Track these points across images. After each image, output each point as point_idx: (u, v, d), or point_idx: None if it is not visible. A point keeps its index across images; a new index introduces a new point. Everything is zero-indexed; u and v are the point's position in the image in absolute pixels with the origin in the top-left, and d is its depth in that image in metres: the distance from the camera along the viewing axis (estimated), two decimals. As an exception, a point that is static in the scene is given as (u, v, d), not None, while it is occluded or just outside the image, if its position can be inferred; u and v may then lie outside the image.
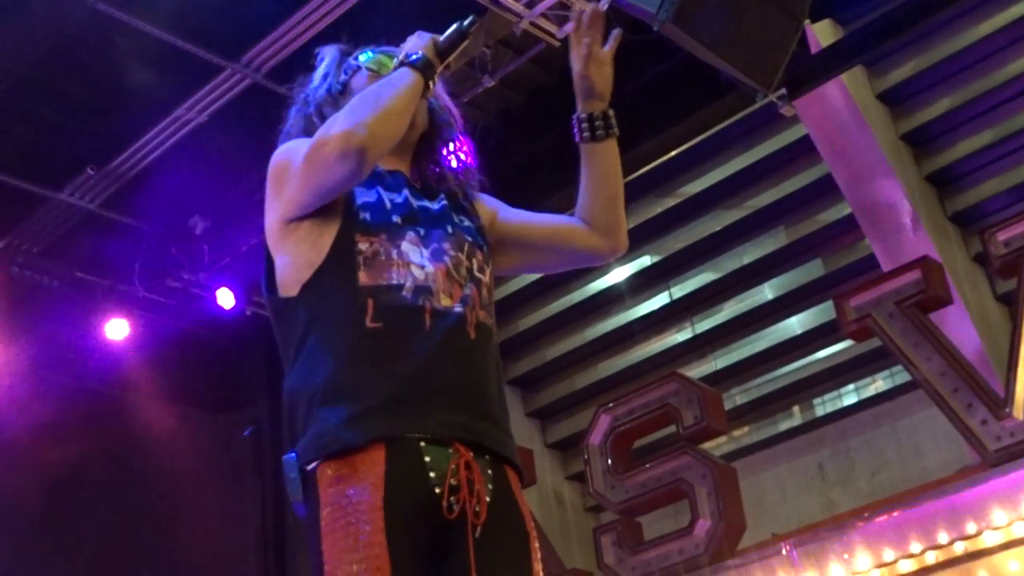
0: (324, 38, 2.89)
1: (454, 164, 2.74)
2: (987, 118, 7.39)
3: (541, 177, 7.11)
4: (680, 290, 8.69)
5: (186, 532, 9.08)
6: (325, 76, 2.76)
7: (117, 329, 8.65)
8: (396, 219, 2.53)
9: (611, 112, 2.75)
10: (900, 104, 7.59)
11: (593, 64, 2.72)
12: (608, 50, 2.75)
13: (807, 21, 6.48)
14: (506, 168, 7.48)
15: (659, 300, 8.79)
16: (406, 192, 2.60)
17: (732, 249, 8.44)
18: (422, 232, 2.53)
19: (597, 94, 2.73)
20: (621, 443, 7.45)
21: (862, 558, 6.25)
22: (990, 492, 6.00)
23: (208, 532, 9.16)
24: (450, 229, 2.58)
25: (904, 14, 6.77)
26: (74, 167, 7.87)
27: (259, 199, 2.60)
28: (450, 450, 2.37)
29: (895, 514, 6.26)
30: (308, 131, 2.65)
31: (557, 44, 6.80)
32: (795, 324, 8.36)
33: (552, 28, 6.70)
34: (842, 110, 7.32)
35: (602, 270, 8.57)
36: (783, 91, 6.68)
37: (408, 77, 2.54)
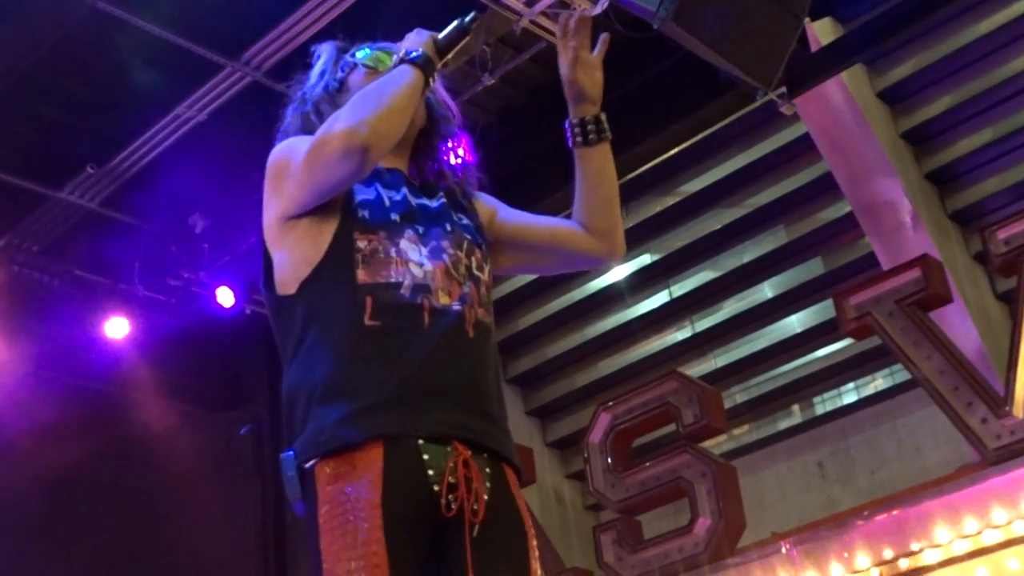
0: (324, 36, 2.88)
1: (453, 161, 2.74)
2: (987, 116, 7.39)
3: (541, 175, 7.10)
4: (680, 288, 8.70)
5: (186, 530, 9.08)
6: (322, 74, 2.76)
7: (117, 327, 8.65)
8: (395, 217, 2.53)
9: (603, 116, 2.74)
10: (900, 102, 7.59)
11: (581, 69, 2.71)
12: (597, 55, 2.74)
13: (807, 19, 6.48)
14: (506, 166, 7.47)
15: (659, 298, 8.79)
16: (405, 190, 2.60)
17: (732, 247, 8.45)
18: (421, 230, 2.53)
19: (588, 98, 2.72)
20: (621, 441, 7.45)
21: (862, 557, 6.25)
22: (990, 490, 6.00)
23: (208, 530, 9.16)
24: (449, 227, 2.58)
25: (904, 12, 6.77)
26: (74, 166, 7.87)
27: (259, 198, 2.59)
28: (448, 448, 2.37)
29: (895, 512, 6.26)
30: (306, 129, 2.65)
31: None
32: (795, 322, 8.36)
33: (552, 26, 6.69)
34: (842, 108, 7.32)
35: (602, 268, 8.57)
36: (783, 89, 6.69)
37: (409, 74, 2.53)
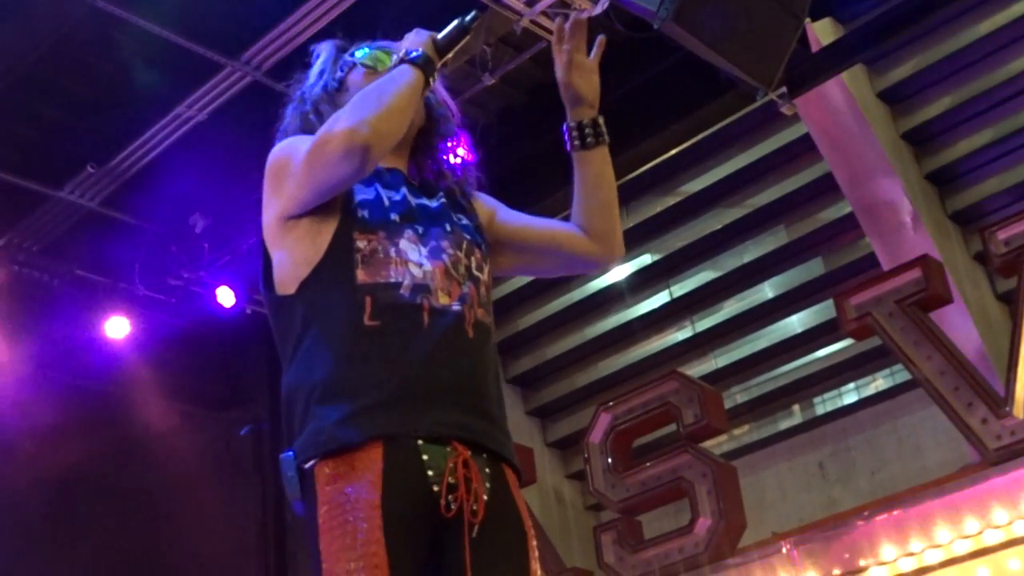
0: (324, 36, 2.88)
1: (452, 161, 2.74)
2: (987, 117, 7.39)
3: (541, 175, 7.09)
4: (680, 288, 8.69)
5: (186, 529, 9.08)
6: (321, 73, 2.75)
7: (117, 327, 8.65)
8: (394, 217, 2.52)
9: (601, 119, 2.73)
10: (900, 102, 7.59)
11: (576, 72, 2.71)
12: (593, 58, 2.73)
13: (807, 19, 6.48)
14: (506, 166, 7.47)
15: (659, 299, 8.79)
16: (404, 190, 2.60)
17: (732, 247, 8.44)
18: (420, 230, 2.53)
19: (584, 102, 2.72)
20: (621, 442, 7.45)
21: (863, 557, 6.25)
22: (991, 491, 6.00)
23: (208, 529, 9.16)
24: (448, 227, 2.58)
25: (904, 13, 6.77)
26: (74, 165, 7.87)
27: (260, 198, 2.59)
28: (448, 449, 2.37)
29: (895, 513, 6.26)
30: (305, 129, 2.65)
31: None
32: (795, 323, 8.36)
33: (552, 26, 6.68)
34: (842, 108, 7.31)
35: (600, 270, 8.56)
36: (783, 89, 6.68)
37: (409, 74, 2.53)
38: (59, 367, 8.73)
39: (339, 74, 2.74)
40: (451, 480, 2.34)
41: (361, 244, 2.46)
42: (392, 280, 2.44)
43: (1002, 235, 6.47)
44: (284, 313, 2.52)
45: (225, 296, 8.61)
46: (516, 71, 7.40)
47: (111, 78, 7.21)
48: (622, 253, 2.82)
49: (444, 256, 2.51)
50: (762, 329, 8.48)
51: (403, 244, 2.48)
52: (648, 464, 7.25)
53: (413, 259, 2.47)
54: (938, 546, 6.04)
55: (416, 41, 2.60)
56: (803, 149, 7.80)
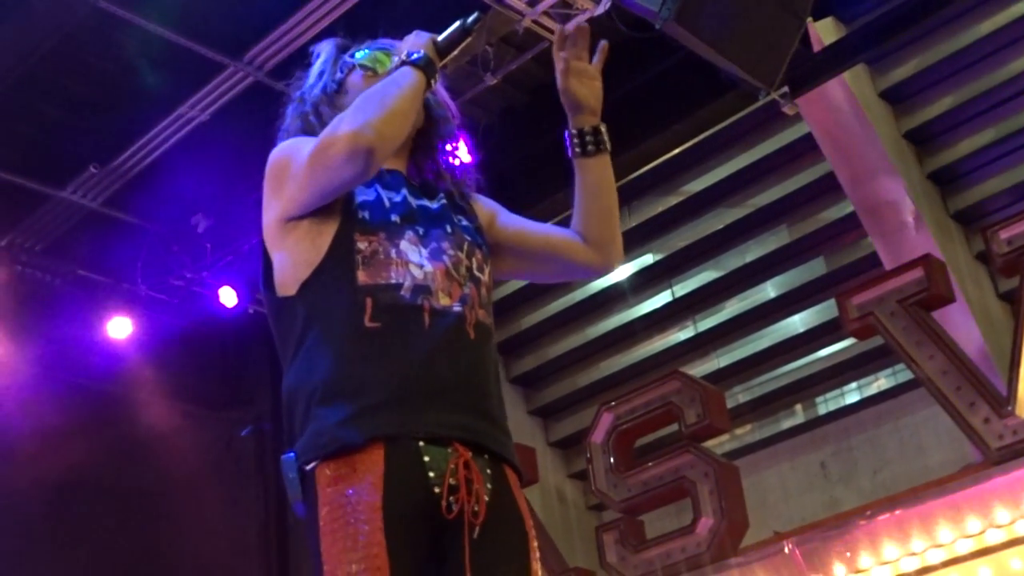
0: (326, 36, 2.87)
1: (452, 162, 2.73)
2: (989, 116, 7.39)
3: (543, 175, 7.09)
4: (682, 288, 8.70)
5: (188, 530, 9.08)
6: (321, 74, 2.74)
7: (120, 327, 8.65)
8: (395, 218, 2.52)
9: (603, 127, 2.71)
10: (902, 102, 7.59)
11: (576, 78, 2.68)
12: (595, 64, 2.71)
13: (809, 19, 6.48)
14: (508, 166, 7.48)
15: (661, 298, 8.79)
16: (404, 191, 2.59)
17: (734, 247, 8.45)
18: (421, 231, 2.52)
19: (585, 108, 2.70)
20: (623, 441, 7.45)
21: (865, 556, 6.25)
22: (993, 490, 6.00)
23: (210, 530, 9.16)
24: (449, 228, 2.57)
25: (906, 12, 6.77)
26: (76, 165, 7.88)
27: (261, 198, 2.59)
28: (449, 450, 2.36)
29: (897, 512, 6.26)
30: (305, 130, 2.64)
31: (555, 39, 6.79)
32: (797, 322, 8.36)
33: (554, 26, 6.69)
34: (844, 108, 7.32)
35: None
36: (785, 89, 6.69)
37: (411, 76, 2.52)
38: (61, 367, 8.73)
39: (339, 75, 2.73)
40: (452, 481, 2.33)
41: (362, 245, 2.46)
42: (393, 281, 2.44)
43: (1004, 234, 6.47)
44: (285, 314, 2.51)
45: (227, 296, 8.62)
46: (518, 71, 7.41)
47: (113, 78, 7.21)
48: (619, 262, 2.80)
49: (445, 257, 2.51)
50: (764, 329, 8.48)
51: (404, 245, 2.48)
52: (650, 464, 7.25)
53: (414, 260, 2.47)
54: (940, 546, 6.03)
55: (416, 43, 2.59)
56: (805, 149, 7.80)
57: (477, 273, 2.56)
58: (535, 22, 6.66)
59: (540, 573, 2.46)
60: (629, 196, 8.30)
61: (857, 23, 7.19)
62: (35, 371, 8.51)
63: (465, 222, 2.64)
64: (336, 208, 2.49)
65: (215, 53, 7.14)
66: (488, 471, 2.41)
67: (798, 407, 8.53)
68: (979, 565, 5.92)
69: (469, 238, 2.60)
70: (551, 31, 6.71)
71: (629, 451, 7.51)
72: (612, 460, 7.37)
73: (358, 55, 2.75)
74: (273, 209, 2.53)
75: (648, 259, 8.77)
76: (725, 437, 8.36)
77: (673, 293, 8.73)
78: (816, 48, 7.00)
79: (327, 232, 2.48)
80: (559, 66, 2.69)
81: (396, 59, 2.63)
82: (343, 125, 2.42)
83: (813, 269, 8.23)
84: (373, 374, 2.37)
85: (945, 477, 6.55)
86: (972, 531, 5.97)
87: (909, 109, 7.58)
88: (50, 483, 8.38)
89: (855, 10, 7.24)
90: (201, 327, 9.00)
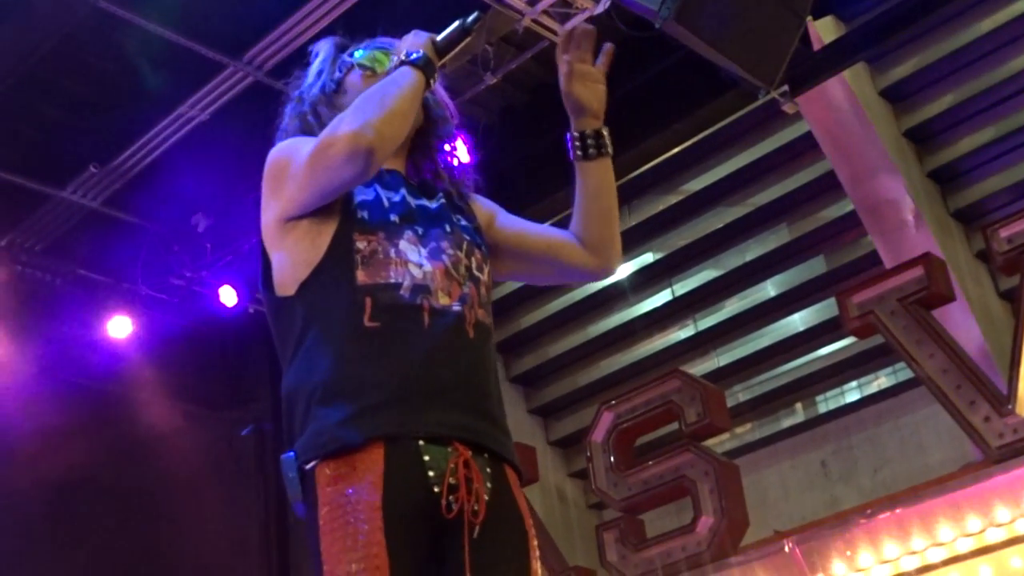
0: (326, 36, 2.87)
1: (451, 162, 2.73)
2: (989, 114, 7.39)
3: (543, 175, 7.10)
4: (682, 287, 8.70)
5: (188, 529, 9.08)
6: (319, 73, 2.74)
7: (120, 327, 8.66)
8: (394, 218, 2.51)
9: (605, 131, 2.69)
10: (902, 101, 7.59)
11: (579, 81, 2.66)
12: (600, 67, 2.68)
13: (809, 18, 6.48)
14: (508, 165, 7.49)
15: (661, 297, 8.79)
16: (403, 191, 2.59)
17: (734, 246, 8.45)
18: (420, 231, 2.52)
19: (588, 112, 2.67)
20: (624, 440, 7.45)
21: (865, 555, 6.25)
22: (993, 489, 6.00)
23: (210, 529, 9.16)
24: (448, 228, 2.57)
25: (906, 11, 6.78)
26: (76, 165, 7.88)
27: (260, 197, 2.59)
28: (449, 449, 2.36)
29: (898, 511, 6.26)
30: (304, 130, 2.64)
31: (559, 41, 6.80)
32: (797, 321, 8.36)
33: (554, 25, 6.70)
34: (844, 107, 7.32)
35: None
36: (785, 88, 6.70)
37: (410, 76, 2.52)
38: (61, 366, 8.73)
39: (337, 75, 2.72)
40: (452, 480, 2.33)
41: (361, 245, 2.46)
42: (392, 281, 2.43)
43: (1004, 233, 6.47)
44: (284, 314, 2.51)
45: (227, 296, 8.62)
46: (518, 70, 7.41)
47: (113, 78, 7.22)
48: (616, 267, 2.78)
49: (444, 257, 2.50)
50: (764, 327, 8.48)
51: (403, 245, 2.48)
52: (650, 463, 7.25)
53: (413, 260, 2.47)
54: (941, 544, 6.03)
55: (415, 42, 2.59)
56: (805, 147, 7.80)
57: (476, 272, 2.56)
58: (535, 21, 6.66)
59: (540, 572, 2.46)
60: (629, 195, 8.30)
61: (857, 22, 7.20)
62: (35, 370, 8.52)
63: (464, 222, 2.63)
64: (335, 208, 2.49)
65: (215, 53, 7.14)
66: (488, 470, 2.41)
67: (798, 406, 8.54)
68: (979, 564, 5.92)
69: (468, 237, 2.59)
70: (551, 30, 6.71)
71: (629, 450, 7.51)
72: (612, 459, 7.37)
73: (357, 54, 2.74)
74: (272, 209, 2.53)
75: (648, 258, 8.78)
76: (725, 436, 8.36)
77: (673, 292, 8.73)
78: (816, 47, 7.00)
79: (326, 232, 2.47)
80: (562, 69, 2.67)
81: (395, 58, 2.62)
82: (343, 126, 2.41)
83: (813, 268, 8.23)
84: (373, 374, 2.37)
85: (945, 476, 6.55)
86: (972, 530, 5.97)
87: (909, 107, 7.58)
88: (50, 482, 8.38)
89: (855, 9, 7.25)
90: (201, 327, 9.01)
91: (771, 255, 8.29)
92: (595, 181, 2.70)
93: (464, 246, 2.56)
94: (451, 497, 2.33)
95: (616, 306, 8.97)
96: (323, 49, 2.79)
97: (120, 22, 6.79)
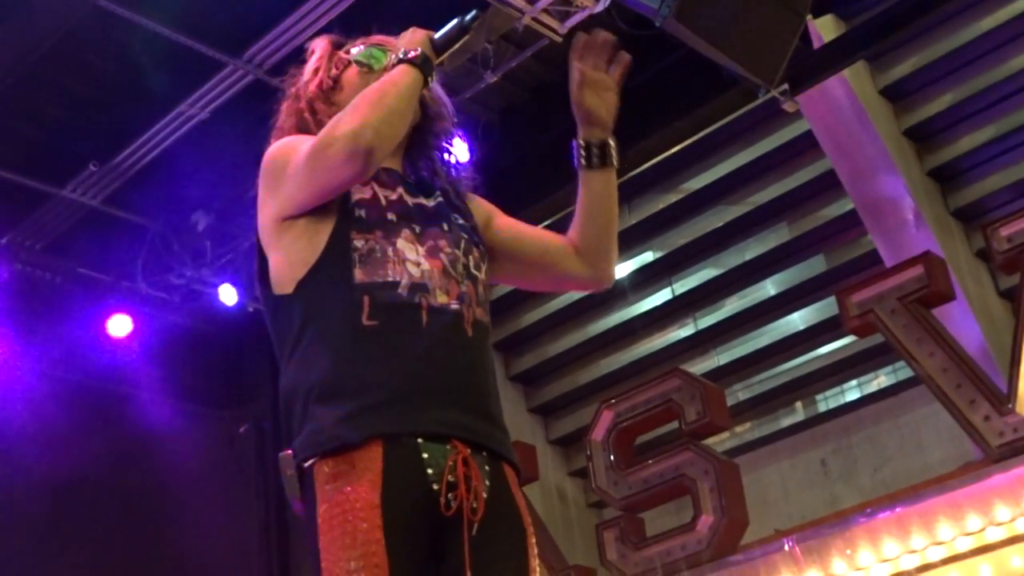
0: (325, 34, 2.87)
1: (448, 160, 2.72)
2: (990, 113, 7.39)
3: (543, 173, 7.10)
4: (682, 286, 8.70)
5: (188, 527, 9.07)
6: (316, 71, 2.73)
7: (120, 325, 8.65)
8: (391, 216, 2.51)
9: (612, 142, 2.66)
10: (903, 99, 7.58)
11: (590, 90, 2.63)
12: (613, 74, 2.65)
13: (809, 16, 6.47)
14: (508, 164, 7.48)
15: (661, 296, 8.79)
16: (401, 189, 2.58)
17: (734, 245, 8.44)
18: (418, 229, 2.51)
19: (597, 122, 2.65)
20: (623, 439, 7.45)
21: (865, 554, 6.25)
22: (993, 488, 6.00)
23: (211, 528, 9.15)
24: (446, 226, 2.56)
25: (906, 9, 6.77)
26: (76, 163, 7.88)
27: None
28: (448, 447, 2.36)
29: (898, 510, 6.25)
30: (301, 128, 2.64)
31: (559, 40, 6.80)
32: (797, 320, 8.36)
33: (554, 24, 6.69)
34: (844, 105, 7.31)
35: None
36: (785, 86, 6.69)
37: (408, 75, 2.51)
38: (61, 365, 8.73)
39: (334, 72, 2.72)
40: (451, 478, 2.33)
41: (358, 243, 2.45)
42: (390, 279, 2.43)
43: (1004, 231, 6.46)
44: (281, 313, 2.51)
45: (227, 294, 8.62)
46: (518, 69, 7.41)
47: (113, 76, 7.22)
48: (611, 280, 2.76)
49: (442, 255, 2.50)
50: (764, 326, 8.48)
51: (400, 243, 2.47)
52: (650, 461, 7.25)
53: (411, 258, 2.46)
54: (940, 543, 6.03)
55: (413, 40, 2.58)
56: (805, 146, 7.80)
57: (474, 271, 2.55)
58: (535, 19, 6.65)
59: (539, 570, 2.46)
60: (629, 193, 8.30)
61: (857, 20, 7.19)
62: (35, 369, 8.52)
63: (461, 220, 2.63)
64: (332, 206, 2.48)
65: (215, 51, 7.14)
66: (486, 468, 2.41)
67: (798, 405, 8.53)
68: (979, 563, 5.92)
69: (466, 236, 2.59)
70: (551, 28, 6.71)
71: (629, 449, 7.51)
72: (612, 458, 7.37)
73: (354, 52, 2.74)
74: (269, 208, 2.53)
75: (648, 256, 8.77)
76: (725, 435, 8.36)
77: (673, 291, 8.73)
78: (816, 45, 7.00)
79: (323, 230, 2.47)
80: (574, 76, 2.64)
81: (392, 56, 2.61)
82: (341, 125, 2.41)
83: (813, 266, 8.23)
84: (371, 372, 2.37)
85: (945, 475, 6.55)
86: (972, 528, 5.97)
87: (909, 106, 7.57)
88: (49, 481, 8.37)
89: (855, 7, 7.24)
90: (201, 325, 9.01)
91: (771, 254, 8.29)
92: (596, 190, 2.69)
93: (462, 244, 2.56)
94: (450, 495, 2.33)
95: (616, 305, 8.97)
96: (319, 47, 2.78)
97: (120, 20, 6.79)
